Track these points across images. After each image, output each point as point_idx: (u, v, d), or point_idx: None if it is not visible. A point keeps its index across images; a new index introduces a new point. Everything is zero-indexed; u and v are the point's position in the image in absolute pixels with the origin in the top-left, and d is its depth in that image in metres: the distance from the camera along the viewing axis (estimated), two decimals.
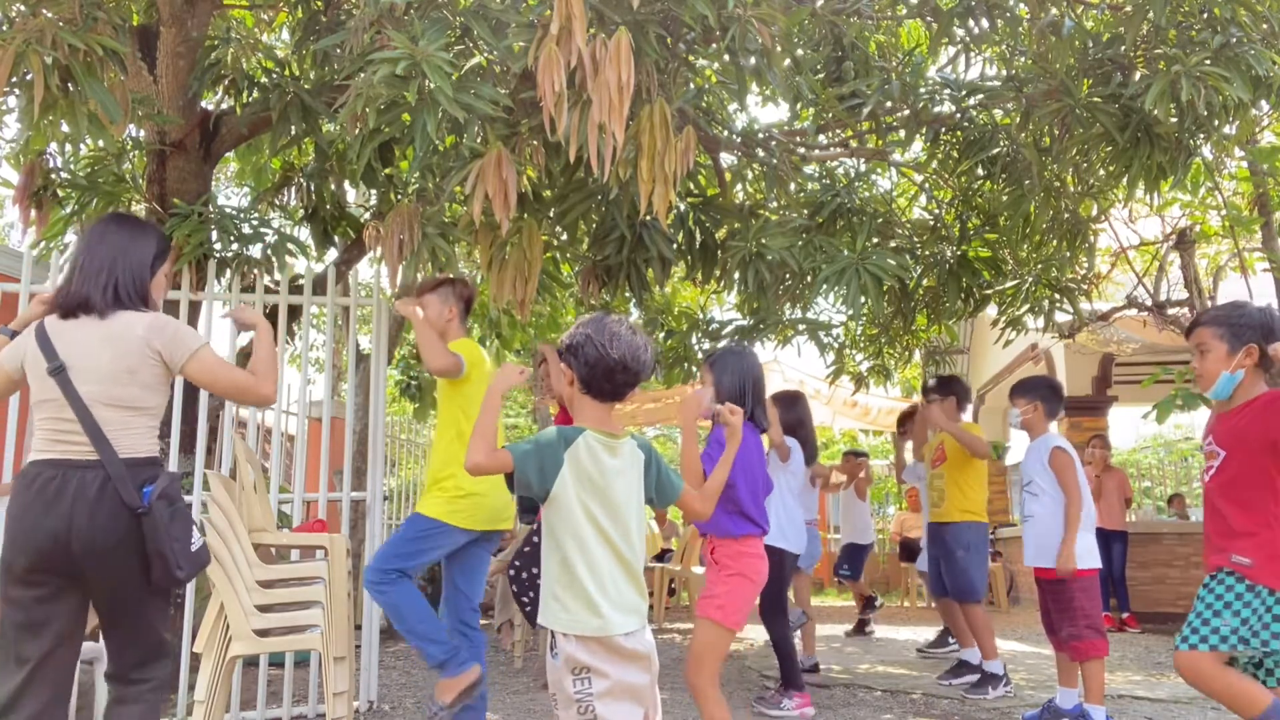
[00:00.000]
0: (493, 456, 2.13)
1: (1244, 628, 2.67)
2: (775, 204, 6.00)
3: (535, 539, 4.02)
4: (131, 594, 2.49)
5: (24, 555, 2.37)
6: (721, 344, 6.08)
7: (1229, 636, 2.67)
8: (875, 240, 5.51)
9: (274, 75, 4.83)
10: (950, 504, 5.34)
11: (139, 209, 5.44)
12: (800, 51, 4.95)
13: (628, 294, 5.54)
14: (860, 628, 7.88)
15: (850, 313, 5.46)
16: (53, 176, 4.98)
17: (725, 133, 5.57)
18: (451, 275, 3.98)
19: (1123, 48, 4.53)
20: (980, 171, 5.59)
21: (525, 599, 4.21)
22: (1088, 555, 4.17)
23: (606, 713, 2.09)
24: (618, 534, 2.20)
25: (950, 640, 6.40)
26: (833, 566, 8.78)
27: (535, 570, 4.23)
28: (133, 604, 2.51)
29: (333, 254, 5.84)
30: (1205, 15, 4.30)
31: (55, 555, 2.37)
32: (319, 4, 4.82)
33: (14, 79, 3.54)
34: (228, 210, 4.82)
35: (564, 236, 5.59)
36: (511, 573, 4.07)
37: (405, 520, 3.68)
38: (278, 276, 4.71)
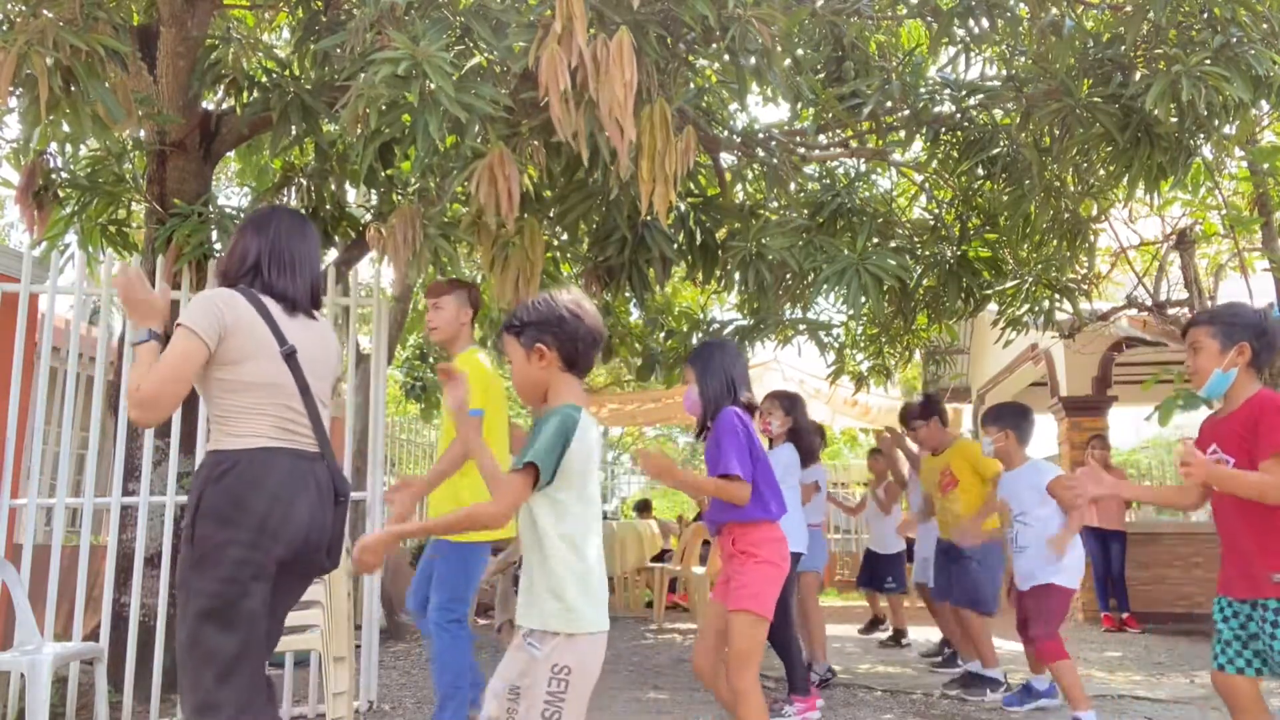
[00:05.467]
0: (521, 493, 2.03)
1: None
2: (775, 204, 6.00)
3: None
4: (309, 581, 2.52)
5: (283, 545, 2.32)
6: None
7: None
8: (875, 240, 5.50)
9: (274, 75, 4.84)
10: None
11: (139, 209, 5.45)
12: (800, 51, 4.95)
13: (628, 294, 5.54)
14: (895, 637, 7.52)
15: (850, 313, 5.45)
16: (53, 176, 4.98)
17: (725, 133, 5.57)
18: (461, 280, 3.99)
19: (1123, 48, 4.53)
20: (980, 171, 5.59)
21: None
22: (1072, 571, 4.30)
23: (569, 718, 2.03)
24: (597, 518, 2.17)
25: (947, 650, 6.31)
26: (856, 576, 8.41)
27: None
28: (303, 590, 2.54)
29: (333, 254, 5.84)
30: (1205, 15, 4.30)
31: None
32: (319, 4, 4.82)
33: (16, 79, 3.54)
34: (228, 210, 4.83)
35: (564, 237, 5.59)
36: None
37: (437, 551, 3.70)
38: None
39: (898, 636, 7.36)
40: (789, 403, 4.93)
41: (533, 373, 2.16)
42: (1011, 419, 4.52)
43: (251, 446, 2.31)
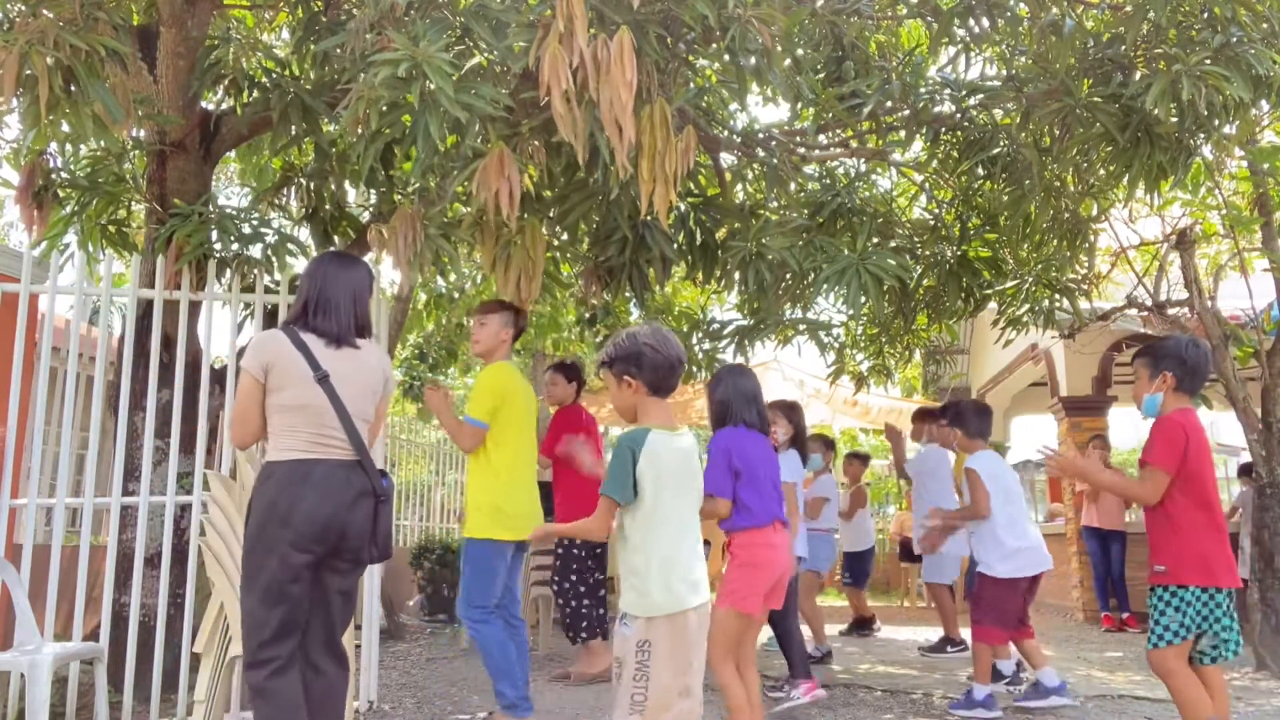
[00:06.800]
0: (606, 516, 2.48)
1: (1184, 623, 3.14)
2: (775, 204, 6.00)
3: (559, 550, 5.49)
4: (360, 570, 2.99)
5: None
6: (722, 344, 6.13)
7: (1179, 631, 3.14)
8: (875, 240, 5.50)
9: (274, 75, 4.83)
10: None
11: (139, 209, 5.45)
12: (800, 51, 4.94)
13: (628, 294, 5.53)
14: (855, 627, 7.80)
15: (850, 313, 5.44)
16: (53, 176, 4.97)
17: (725, 133, 5.57)
18: (509, 302, 4.28)
19: (1123, 47, 4.52)
20: (980, 171, 5.58)
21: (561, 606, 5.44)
22: (1008, 563, 4.49)
23: (657, 683, 2.42)
24: (690, 516, 2.54)
25: (950, 647, 6.40)
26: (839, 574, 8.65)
27: (567, 584, 5.38)
28: (357, 579, 3.01)
29: None
30: (1205, 15, 4.30)
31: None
32: (319, 4, 4.82)
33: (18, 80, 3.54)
34: (228, 210, 4.82)
35: (565, 237, 5.58)
36: (555, 587, 5.41)
37: (464, 549, 4.00)
38: (278, 276, 4.71)
39: (853, 627, 7.83)
40: (790, 411, 5.28)
41: (624, 398, 2.59)
42: (961, 418, 5.00)
43: (284, 459, 2.79)
